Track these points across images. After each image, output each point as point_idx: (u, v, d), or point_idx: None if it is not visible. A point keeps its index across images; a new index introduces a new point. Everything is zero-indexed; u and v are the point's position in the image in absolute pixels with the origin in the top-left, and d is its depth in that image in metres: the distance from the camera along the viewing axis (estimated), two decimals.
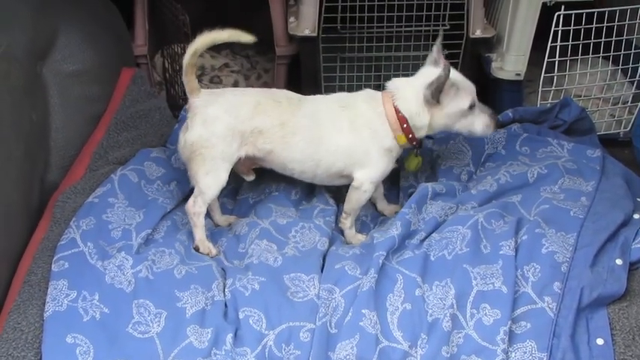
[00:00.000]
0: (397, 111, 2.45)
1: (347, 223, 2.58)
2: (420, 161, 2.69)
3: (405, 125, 2.46)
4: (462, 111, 2.47)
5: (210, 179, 2.44)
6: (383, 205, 2.77)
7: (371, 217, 2.75)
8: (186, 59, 2.42)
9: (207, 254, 2.45)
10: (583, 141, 2.99)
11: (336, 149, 2.47)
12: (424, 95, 2.42)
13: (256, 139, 2.44)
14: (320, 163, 2.49)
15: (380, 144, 2.47)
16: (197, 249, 2.46)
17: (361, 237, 2.58)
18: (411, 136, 2.48)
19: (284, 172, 2.55)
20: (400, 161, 2.69)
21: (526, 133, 2.96)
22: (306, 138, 2.46)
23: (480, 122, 2.51)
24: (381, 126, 2.47)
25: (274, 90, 2.66)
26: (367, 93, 2.56)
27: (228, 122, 2.42)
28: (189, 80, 2.45)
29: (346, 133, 2.47)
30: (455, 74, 2.47)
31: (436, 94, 2.40)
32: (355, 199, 2.54)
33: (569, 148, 2.88)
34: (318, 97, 2.63)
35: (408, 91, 2.46)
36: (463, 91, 2.46)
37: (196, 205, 2.46)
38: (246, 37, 2.46)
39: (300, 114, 2.47)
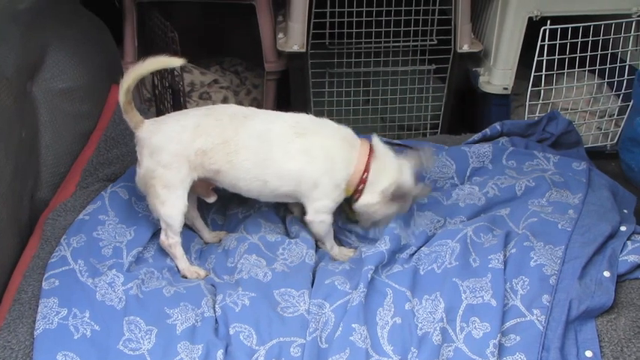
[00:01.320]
0: (366, 171, 2.44)
1: (327, 246, 2.57)
2: None
3: (361, 187, 2.46)
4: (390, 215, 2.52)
5: (168, 208, 2.39)
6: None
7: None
8: (121, 99, 2.38)
9: (197, 278, 2.44)
10: (570, 154, 3.02)
11: (287, 173, 2.42)
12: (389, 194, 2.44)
13: (202, 160, 2.38)
14: (266, 184, 2.43)
15: (333, 177, 2.43)
16: (185, 277, 2.45)
17: (348, 252, 2.57)
18: (357, 196, 2.48)
19: (236, 190, 2.48)
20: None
21: (513, 147, 2.98)
22: (250, 158, 2.39)
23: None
24: (342, 167, 2.44)
25: (219, 107, 2.61)
26: (345, 132, 2.51)
27: (172, 150, 2.37)
28: (129, 117, 2.42)
29: (299, 159, 2.41)
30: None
31: (396, 197, 2.44)
32: (316, 232, 2.53)
33: (555, 161, 2.91)
34: (271, 113, 2.57)
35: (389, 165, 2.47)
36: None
37: (169, 237, 2.44)
38: (176, 62, 2.40)
39: (245, 133, 2.40)
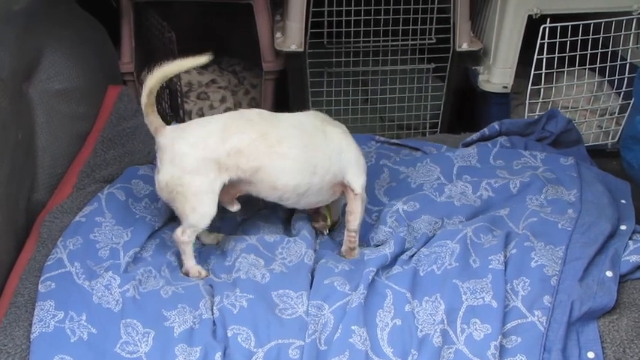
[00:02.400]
0: None
1: (357, 241, 2.54)
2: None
3: None
4: None
5: (198, 215, 2.35)
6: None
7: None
8: (143, 100, 2.34)
9: (198, 277, 2.42)
10: (570, 153, 3.00)
11: (332, 150, 2.43)
12: None
13: (238, 160, 2.32)
14: (316, 169, 2.40)
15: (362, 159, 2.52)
16: (187, 274, 2.43)
17: (358, 252, 2.55)
18: None
19: (273, 192, 2.42)
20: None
21: (500, 147, 2.98)
22: (297, 145, 2.37)
23: None
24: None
25: (243, 110, 2.56)
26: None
27: (197, 156, 2.31)
28: (150, 121, 2.38)
29: (338, 135, 2.47)
30: None
31: None
32: (361, 210, 2.51)
33: (542, 157, 2.90)
34: (292, 113, 2.58)
35: None
36: None
37: (185, 235, 2.39)
38: (201, 60, 2.39)
39: (281, 125, 2.40)
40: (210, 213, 2.36)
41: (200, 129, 2.38)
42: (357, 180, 2.49)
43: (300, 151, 2.36)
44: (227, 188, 2.39)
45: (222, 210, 2.70)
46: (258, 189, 2.41)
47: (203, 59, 2.38)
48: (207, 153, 2.31)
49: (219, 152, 2.31)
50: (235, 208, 2.52)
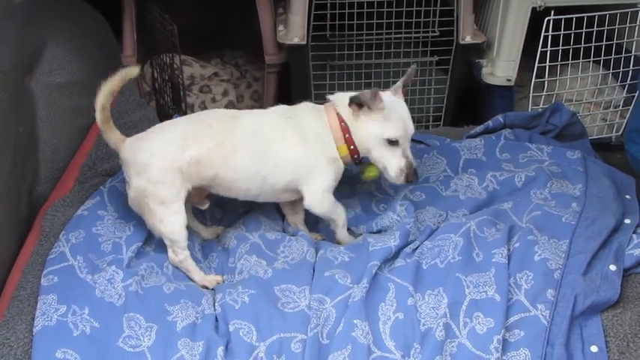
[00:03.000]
0: (340, 120, 2.42)
1: (341, 234, 2.54)
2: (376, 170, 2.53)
3: (347, 135, 2.41)
4: (380, 139, 2.38)
5: (168, 225, 2.34)
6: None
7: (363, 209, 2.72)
8: (97, 117, 2.32)
9: (216, 284, 2.39)
10: (574, 146, 2.99)
11: (285, 162, 2.40)
12: (349, 100, 2.36)
13: (197, 169, 2.33)
14: (266, 179, 2.40)
15: (326, 153, 2.42)
16: (206, 287, 2.39)
17: (352, 239, 2.56)
18: (352, 147, 2.43)
19: (229, 193, 2.45)
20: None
21: (505, 140, 2.97)
22: (250, 155, 2.37)
23: (395, 164, 2.40)
24: (326, 135, 2.42)
25: (203, 113, 2.58)
26: (308, 104, 2.52)
27: (159, 165, 2.31)
28: (109, 137, 2.37)
29: (295, 145, 2.40)
30: (399, 107, 2.41)
31: (354, 101, 2.34)
32: (323, 214, 2.50)
33: (549, 151, 2.89)
34: (255, 111, 2.56)
35: (346, 101, 2.39)
36: (392, 122, 2.37)
37: (177, 254, 2.38)
38: (133, 71, 2.40)
39: (238, 131, 2.38)
40: (179, 222, 2.35)
41: (159, 138, 2.37)
42: (308, 189, 2.44)
43: (252, 162, 2.37)
44: (193, 191, 2.40)
45: (224, 203, 2.70)
46: (218, 191, 2.45)
47: (134, 70, 2.40)
48: (168, 163, 2.31)
49: (180, 161, 2.32)
50: (205, 206, 2.53)
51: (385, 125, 2.37)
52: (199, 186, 2.40)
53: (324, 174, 2.43)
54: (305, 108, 2.49)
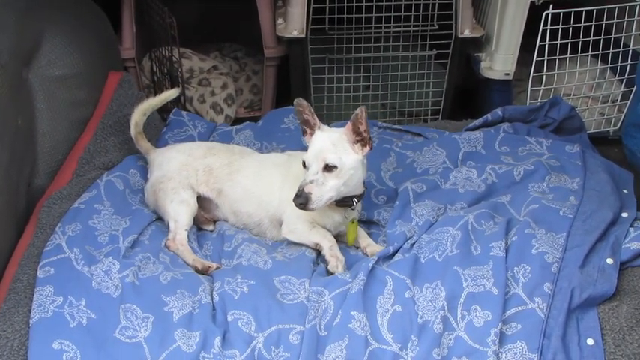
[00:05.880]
0: None
1: (332, 262, 2.42)
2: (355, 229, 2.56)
3: None
4: None
5: (176, 205, 2.54)
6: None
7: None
8: (132, 131, 2.72)
9: (209, 268, 2.40)
10: (572, 140, 2.99)
11: (271, 187, 2.54)
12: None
13: (207, 178, 2.60)
14: (260, 201, 2.54)
15: None
16: (198, 271, 2.40)
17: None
18: None
19: (235, 218, 2.60)
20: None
21: (504, 133, 2.97)
22: (249, 175, 2.58)
23: None
24: None
25: (231, 146, 2.86)
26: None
27: (181, 160, 2.62)
28: (141, 145, 2.74)
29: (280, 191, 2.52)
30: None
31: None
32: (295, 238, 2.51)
33: (548, 144, 2.90)
34: (271, 154, 2.80)
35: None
36: None
37: (176, 238, 2.48)
38: (173, 93, 2.81)
39: (249, 158, 2.66)
40: (190, 205, 2.55)
41: (189, 144, 2.78)
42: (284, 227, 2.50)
43: (251, 182, 2.57)
44: (202, 213, 2.63)
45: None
46: (223, 210, 2.63)
47: (174, 92, 2.84)
48: (191, 160, 2.63)
49: (198, 164, 2.62)
50: (211, 227, 2.66)
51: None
52: (207, 198, 2.59)
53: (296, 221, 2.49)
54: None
